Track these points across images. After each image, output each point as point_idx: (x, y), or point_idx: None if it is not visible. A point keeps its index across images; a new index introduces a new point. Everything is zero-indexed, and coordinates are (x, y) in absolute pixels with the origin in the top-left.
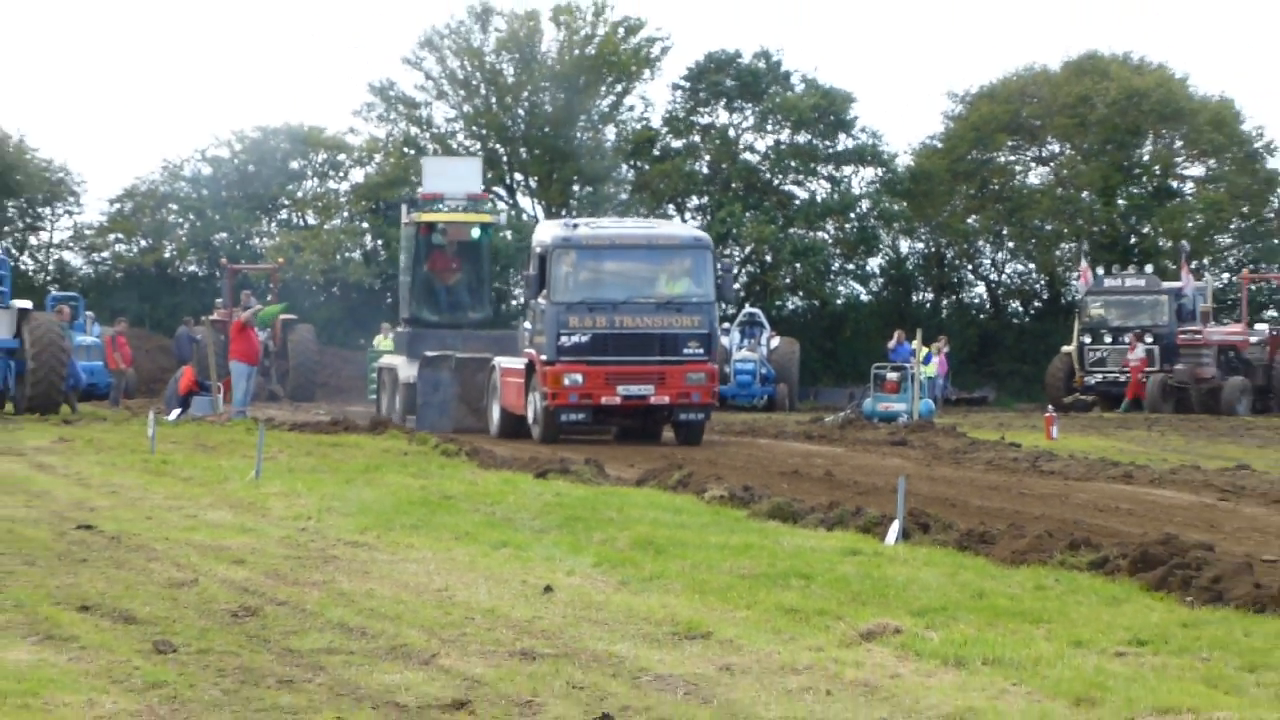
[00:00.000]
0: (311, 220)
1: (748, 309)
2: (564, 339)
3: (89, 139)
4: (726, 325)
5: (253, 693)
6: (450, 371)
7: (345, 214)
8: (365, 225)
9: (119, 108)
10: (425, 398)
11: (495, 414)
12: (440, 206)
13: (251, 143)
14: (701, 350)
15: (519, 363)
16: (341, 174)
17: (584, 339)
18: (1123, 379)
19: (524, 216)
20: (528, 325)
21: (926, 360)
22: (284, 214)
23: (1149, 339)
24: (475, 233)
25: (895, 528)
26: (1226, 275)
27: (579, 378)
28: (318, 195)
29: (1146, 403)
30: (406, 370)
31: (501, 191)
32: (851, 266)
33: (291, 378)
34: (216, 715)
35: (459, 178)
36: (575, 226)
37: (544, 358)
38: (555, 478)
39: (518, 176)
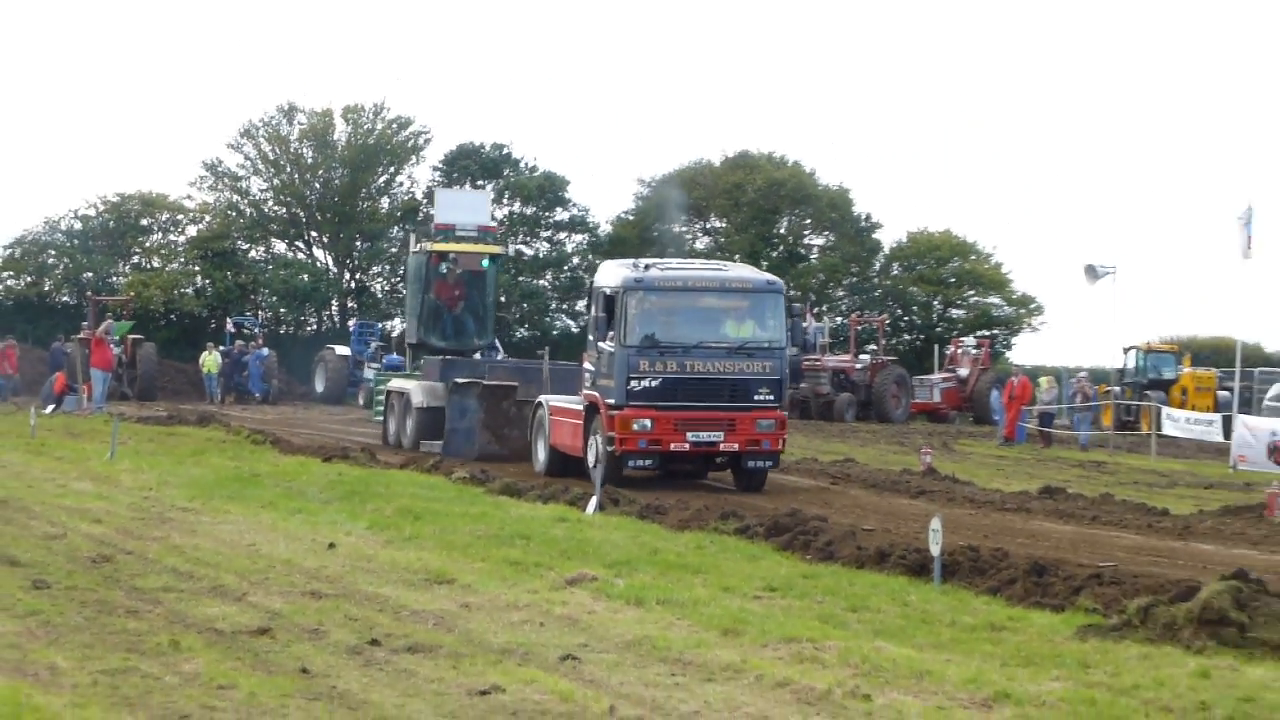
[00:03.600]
0: (156, 264)
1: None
2: (634, 383)
3: None
4: None
5: (107, 620)
6: (476, 399)
7: (181, 260)
8: (197, 268)
9: (10, 174)
10: (453, 424)
11: (541, 452)
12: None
13: (112, 204)
14: (772, 396)
15: (572, 403)
16: (179, 229)
17: (654, 383)
18: None
19: (317, 264)
20: (589, 366)
21: None
22: (135, 259)
23: None
24: (485, 262)
25: (593, 502)
26: (839, 319)
27: (648, 423)
28: (161, 245)
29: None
30: (420, 396)
31: (301, 246)
32: (565, 307)
33: (138, 383)
34: (79, 636)
35: (471, 209)
36: (646, 268)
37: (611, 401)
38: (338, 462)
39: (313, 234)
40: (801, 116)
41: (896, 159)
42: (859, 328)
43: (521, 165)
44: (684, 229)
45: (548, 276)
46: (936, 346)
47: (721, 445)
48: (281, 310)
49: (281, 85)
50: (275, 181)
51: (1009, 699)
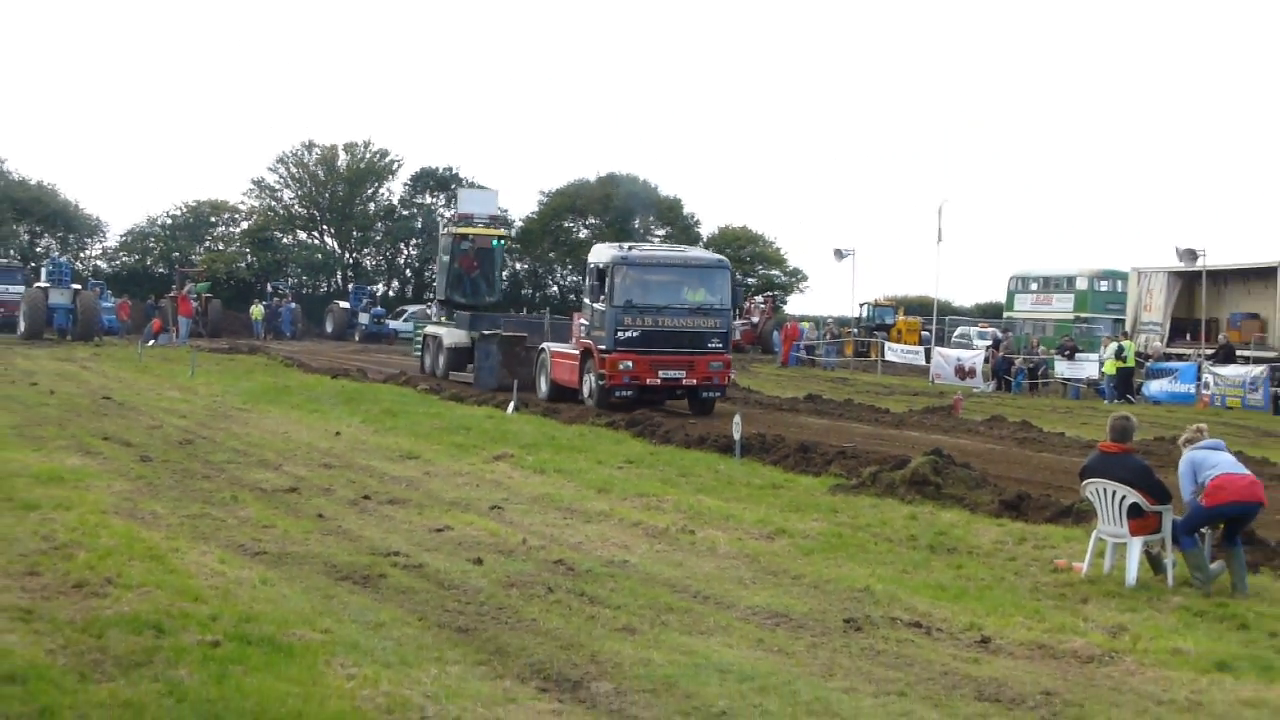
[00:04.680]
0: (221, 247)
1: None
2: (620, 334)
3: (114, 202)
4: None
5: (190, 482)
6: (497, 345)
7: (237, 244)
8: (247, 250)
9: (126, 185)
10: (480, 363)
11: (544, 385)
12: (472, 223)
13: (191, 207)
14: (720, 345)
15: (569, 348)
16: (236, 224)
17: (635, 334)
18: None
19: (327, 247)
20: (583, 321)
21: None
22: (207, 243)
23: None
24: (495, 242)
25: (512, 405)
26: None
27: (630, 364)
28: (224, 234)
29: None
30: (450, 339)
31: (316, 235)
32: None
33: (209, 327)
34: (172, 492)
35: (484, 203)
36: (630, 249)
37: (602, 348)
38: (341, 378)
39: (324, 227)
40: (651, 147)
41: (714, 176)
42: None
43: (464, 181)
44: (645, 224)
45: None
46: None
47: (683, 381)
48: (303, 277)
49: (305, 126)
50: (299, 192)
51: (785, 533)
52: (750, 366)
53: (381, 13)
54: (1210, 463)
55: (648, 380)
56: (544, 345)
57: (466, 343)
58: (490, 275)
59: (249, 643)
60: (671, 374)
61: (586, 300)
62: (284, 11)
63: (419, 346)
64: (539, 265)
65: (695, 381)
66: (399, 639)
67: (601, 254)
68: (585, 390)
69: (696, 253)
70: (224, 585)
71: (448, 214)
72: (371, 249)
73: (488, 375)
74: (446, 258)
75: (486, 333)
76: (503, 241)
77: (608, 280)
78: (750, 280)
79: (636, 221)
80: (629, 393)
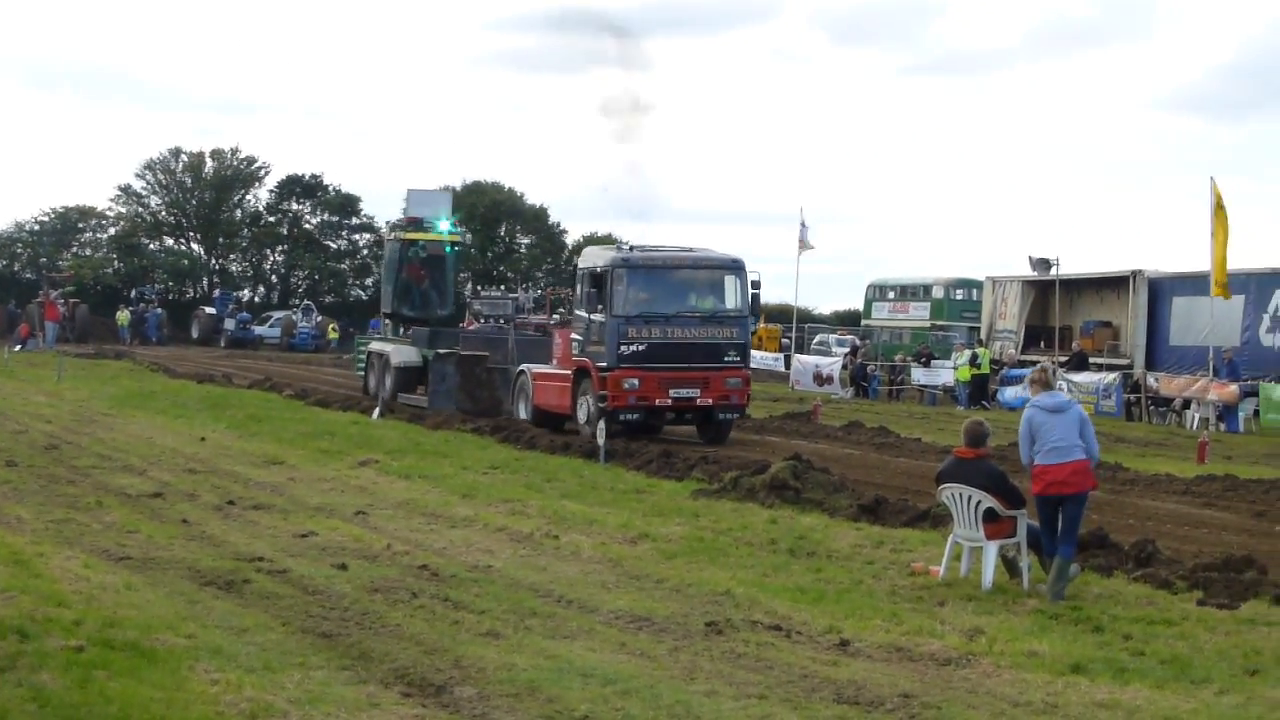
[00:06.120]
0: (89, 252)
1: (306, 302)
2: (624, 348)
3: None
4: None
5: (55, 487)
6: (454, 366)
7: (105, 250)
8: (115, 256)
9: None
10: (435, 386)
11: (523, 411)
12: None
13: (59, 213)
14: (739, 358)
15: (554, 368)
16: (104, 229)
17: (641, 348)
18: None
19: (193, 253)
20: (576, 336)
21: None
22: (74, 249)
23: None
24: (447, 249)
25: (377, 411)
26: (539, 291)
27: (636, 382)
28: (91, 240)
29: None
30: (398, 357)
31: (183, 241)
32: (357, 282)
33: (76, 331)
34: (38, 496)
35: (436, 205)
36: (631, 249)
37: (602, 365)
38: (207, 384)
39: (191, 234)
40: (516, 156)
41: (582, 185)
42: (552, 297)
43: (329, 188)
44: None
45: (346, 263)
46: None
47: (698, 400)
48: (170, 283)
49: (173, 134)
50: (166, 199)
51: (648, 537)
52: None
53: (248, 17)
54: (1043, 434)
55: (657, 400)
56: (524, 367)
57: (418, 362)
58: (442, 285)
59: (113, 648)
60: (684, 393)
61: (579, 311)
62: (151, 16)
63: (361, 364)
64: None
65: (711, 401)
66: (263, 644)
67: (596, 257)
68: (581, 415)
69: (705, 252)
70: (88, 590)
71: (394, 219)
72: (238, 255)
73: (443, 399)
74: (393, 267)
75: (442, 351)
76: (457, 248)
77: (607, 287)
78: None
79: (503, 230)
80: (635, 415)
